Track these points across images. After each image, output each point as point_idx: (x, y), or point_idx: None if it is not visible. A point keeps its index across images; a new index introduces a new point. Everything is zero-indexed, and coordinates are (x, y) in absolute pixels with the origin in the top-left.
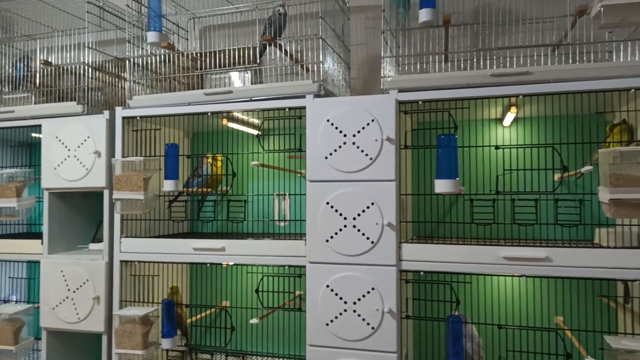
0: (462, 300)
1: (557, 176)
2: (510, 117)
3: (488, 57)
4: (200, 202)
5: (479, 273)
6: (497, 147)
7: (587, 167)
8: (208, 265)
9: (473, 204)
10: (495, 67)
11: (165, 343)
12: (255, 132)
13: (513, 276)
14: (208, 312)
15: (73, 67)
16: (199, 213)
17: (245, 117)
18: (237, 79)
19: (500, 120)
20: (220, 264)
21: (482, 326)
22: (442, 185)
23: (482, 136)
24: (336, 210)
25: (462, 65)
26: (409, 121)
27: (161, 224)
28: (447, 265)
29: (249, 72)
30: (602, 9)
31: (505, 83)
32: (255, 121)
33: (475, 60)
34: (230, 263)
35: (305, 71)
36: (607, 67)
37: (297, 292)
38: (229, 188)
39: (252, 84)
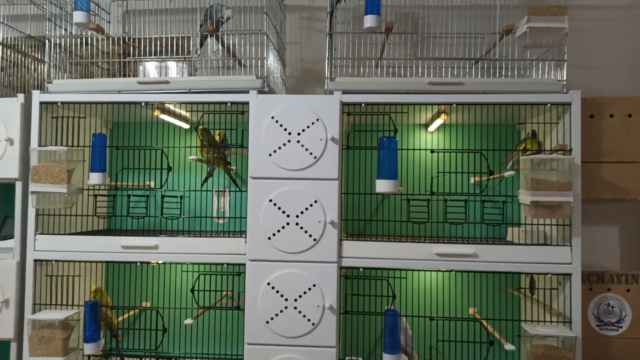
0: (395, 295)
1: (476, 179)
2: (437, 123)
3: (426, 66)
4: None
5: (414, 269)
6: (432, 151)
7: (510, 172)
8: (138, 264)
9: (410, 204)
10: (431, 75)
11: (89, 348)
12: (186, 125)
13: (444, 271)
14: (131, 313)
15: None
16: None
17: (178, 110)
18: (173, 70)
19: (425, 125)
20: (149, 263)
21: (414, 318)
22: (383, 185)
23: (412, 140)
24: (279, 208)
25: (396, 71)
26: (346, 122)
27: (72, 220)
28: (385, 261)
29: (179, 63)
30: (528, 30)
31: (441, 91)
32: (188, 115)
33: (411, 67)
34: (160, 262)
35: (241, 67)
36: (528, 83)
37: (226, 292)
38: (163, 183)
39: (182, 75)
